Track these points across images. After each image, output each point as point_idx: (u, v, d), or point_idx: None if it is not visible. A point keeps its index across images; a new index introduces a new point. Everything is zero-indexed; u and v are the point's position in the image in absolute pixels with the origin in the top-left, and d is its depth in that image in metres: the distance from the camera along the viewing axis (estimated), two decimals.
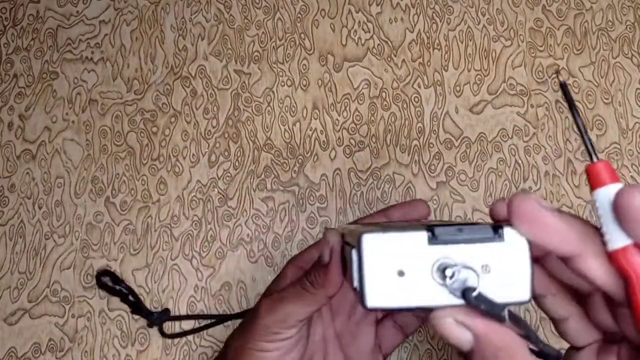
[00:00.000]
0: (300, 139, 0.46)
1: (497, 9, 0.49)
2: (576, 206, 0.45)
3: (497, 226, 0.22)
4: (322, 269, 0.29)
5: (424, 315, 0.36)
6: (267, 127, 0.46)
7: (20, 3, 0.49)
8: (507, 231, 0.22)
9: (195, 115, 0.47)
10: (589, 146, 0.23)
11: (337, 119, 0.47)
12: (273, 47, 0.48)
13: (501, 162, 0.46)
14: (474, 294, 0.21)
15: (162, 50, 0.48)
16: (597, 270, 0.22)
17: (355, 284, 0.23)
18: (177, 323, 0.43)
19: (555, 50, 0.48)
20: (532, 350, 0.24)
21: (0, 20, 0.49)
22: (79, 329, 0.43)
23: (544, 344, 0.24)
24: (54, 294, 0.43)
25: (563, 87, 0.25)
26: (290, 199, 0.45)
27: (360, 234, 0.22)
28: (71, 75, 0.47)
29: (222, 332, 0.43)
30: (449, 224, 0.23)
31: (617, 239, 0.22)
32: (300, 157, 0.46)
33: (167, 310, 0.42)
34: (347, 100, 0.47)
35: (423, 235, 0.22)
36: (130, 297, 0.42)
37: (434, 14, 0.49)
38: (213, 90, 0.47)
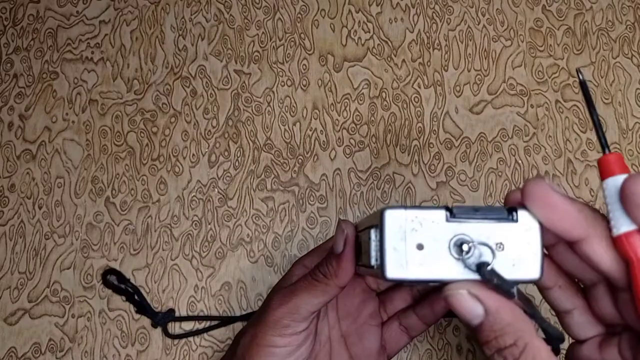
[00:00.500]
0: (300, 139, 0.46)
1: (497, 9, 0.49)
2: None
3: (511, 208, 0.24)
4: (335, 258, 0.30)
5: (428, 321, 0.36)
6: (267, 127, 0.46)
7: (20, 3, 0.49)
8: (521, 213, 0.24)
9: (195, 115, 0.47)
10: (602, 140, 0.25)
11: (337, 119, 0.47)
12: (273, 47, 0.48)
13: (501, 162, 0.46)
14: (488, 268, 0.23)
15: (162, 50, 0.48)
16: (602, 255, 0.24)
17: (374, 260, 0.24)
18: (177, 323, 0.43)
19: (555, 50, 0.48)
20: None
21: (0, 20, 0.49)
22: (79, 329, 0.43)
23: (548, 324, 0.26)
24: (54, 294, 0.43)
25: (582, 85, 0.26)
26: (290, 199, 0.45)
27: (383, 210, 0.24)
28: (71, 75, 0.47)
29: (222, 332, 0.43)
30: (467, 206, 0.25)
31: (622, 225, 0.23)
32: (300, 157, 0.46)
33: (171, 311, 0.43)
34: (347, 100, 0.47)
35: (442, 212, 0.24)
36: (136, 297, 0.42)
37: (434, 14, 0.49)
38: (213, 90, 0.47)
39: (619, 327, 0.27)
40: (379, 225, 0.24)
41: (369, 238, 0.25)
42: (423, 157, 0.46)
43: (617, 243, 0.23)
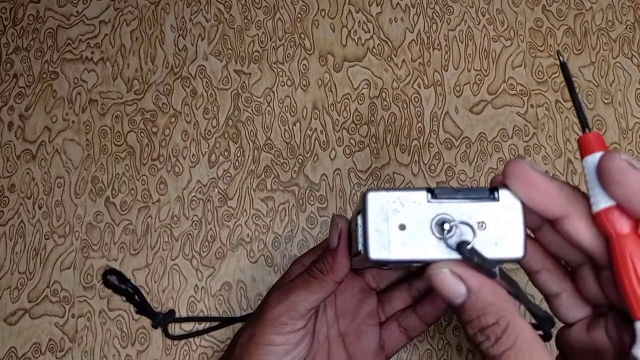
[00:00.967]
0: (300, 139, 0.46)
1: (497, 9, 0.49)
2: None
3: (493, 188, 0.24)
4: (330, 253, 0.30)
5: (428, 320, 0.36)
6: (267, 127, 0.46)
7: (20, 3, 0.49)
8: (502, 192, 0.24)
9: (195, 115, 0.47)
10: (582, 119, 0.25)
11: (337, 119, 0.47)
12: (273, 47, 0.48)
13: (501, 162, 0.46)
14: (468, 247, 0.23)
15: (162, 50, 0.48)
16: (583, 232, 0.24)
17: (360, 246, 0.25)
18: (177, 323, 0.43)
19: (555, 50, 0.48)
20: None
21: (0, 20, 0.49)
22: (79, 329, 0.43)
23: (534, 304, 0.26)
24: (54, 294, 0.43)
25: (563, 66, 0.26)
26: (290, 199, 0.45)
27: (365, 192, 0.24)
28: (71, 75, 0.47)
29: (222, 332, 0.43)
30: (449, 187, 0.24)
31: (601, 201, 0.23)
32: (300, 157, 0.46)
33: (172, 312, 0.43)
34: (347, 100, 0.47)
35: (423, 193, 0.24)
36: (136, 297, 0.42)
37: (434, 14, 0.49)
38: (213, 90, 0.47)
39: (605, 308, 0.27)
40: (362, 209, 0.24)
41: (356, 224, 0.25)
42: (423, 157, 0.46)
43: (596, 219, 0.24)
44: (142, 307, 0.42)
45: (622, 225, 0.23)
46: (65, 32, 0.48)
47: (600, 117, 0.47)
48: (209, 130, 0.46)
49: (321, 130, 0.46)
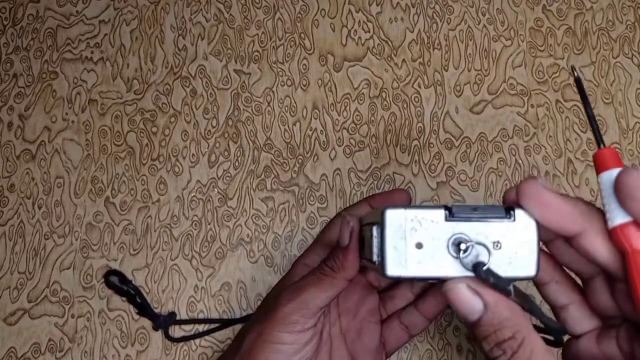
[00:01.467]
0: (300, 139, 0.46)
1: (497, 8, 0.49)
2: None
3: (509, 207, 0.25)
4: (342, 251, 0.30)
5: (430, 315, 0.36)
6: (267, 127, 0.46)
7: (20, 3, 0.49)
8: (518, 212, 0.24)
9: (195, 115, 0.47)
10: (597, 135, 0.26)
11: (337, 119, 0.46)
12: (273, 47, 0.48)
13: (501, 162, 0.46)
14: (484, 268, 0.23)
15: (162, 50, 0.48)
16: (599, 248, 0.24)
17: (376, 257, 0.25)
18: (178, 324, 0.43)
19: (555, 50, 0.48)
20: (536, 327, 0.25)
21: (0, 20, 0.49)
22: (79, 329, 0.43)
23: (548, 318, 0.26)
24: (53, 294, 0.43)
25: (577, 81, 0.27)
26: (290, 199, 0.45)
27: (384, 209, 0.25)
28: (71, 75, 0.47)
29: (222, 332, 0.43)
30: (466, 205, 0.25)
31: (617, 217, 0.24)
32: (300, 157, 0.46)
33: (173, 314, 0.42)
34: (347, 100, 0.47)
35: (441, 212, 0.24)
36: (137, 299, 0.42)
37: (434, 14, 0.49)
38: (213, 90, 0.47)
39: (617, 320, 0.27)
40: (380, 224, 0.25)
41: (372, 235, 0.26)
42: (423, 157, 0.46)
43: (612, 235, 0.24)
44: (143, 309, 0.42)
45: (639, 241, 0.23)
46: (65, 32, 0.48)
47: (600, 117, 0.47)
48: (209, 130, 0.46)
49: (321, 130, 0.46)
